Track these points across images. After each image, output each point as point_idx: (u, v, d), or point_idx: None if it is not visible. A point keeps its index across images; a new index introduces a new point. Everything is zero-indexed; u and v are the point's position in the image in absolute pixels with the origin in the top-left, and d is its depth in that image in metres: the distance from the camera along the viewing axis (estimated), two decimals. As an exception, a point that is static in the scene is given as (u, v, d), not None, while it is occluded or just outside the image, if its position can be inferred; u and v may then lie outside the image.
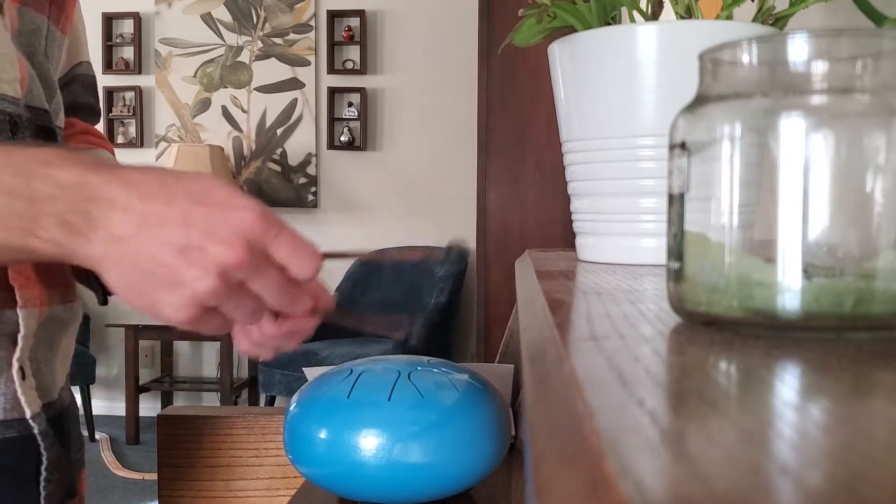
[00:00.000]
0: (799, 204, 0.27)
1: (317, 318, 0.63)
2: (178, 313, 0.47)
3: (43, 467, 0.60)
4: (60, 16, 0.67)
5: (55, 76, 0.66)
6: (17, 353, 0.59)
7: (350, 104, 3.92)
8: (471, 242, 3.41)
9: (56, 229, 0.45)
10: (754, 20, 0.63)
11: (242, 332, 0.67)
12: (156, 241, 0.45)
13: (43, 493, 0.60)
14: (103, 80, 3.96)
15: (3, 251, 0.47)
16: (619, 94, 0.61)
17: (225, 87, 3.99)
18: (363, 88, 3.89)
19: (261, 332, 0.66)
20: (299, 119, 3.95)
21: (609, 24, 0.66)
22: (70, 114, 0.76)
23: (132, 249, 0.45)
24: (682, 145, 0.31)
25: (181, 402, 4.05)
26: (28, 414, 0.59)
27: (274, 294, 0.49)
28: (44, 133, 0.62)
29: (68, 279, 0.66)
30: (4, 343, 0.58)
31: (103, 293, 0.73)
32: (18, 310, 0.59)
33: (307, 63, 3.94)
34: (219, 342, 3.77)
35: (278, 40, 3.95)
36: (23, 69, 0.59)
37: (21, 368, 0.59)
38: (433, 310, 3.34)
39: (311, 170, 3.95)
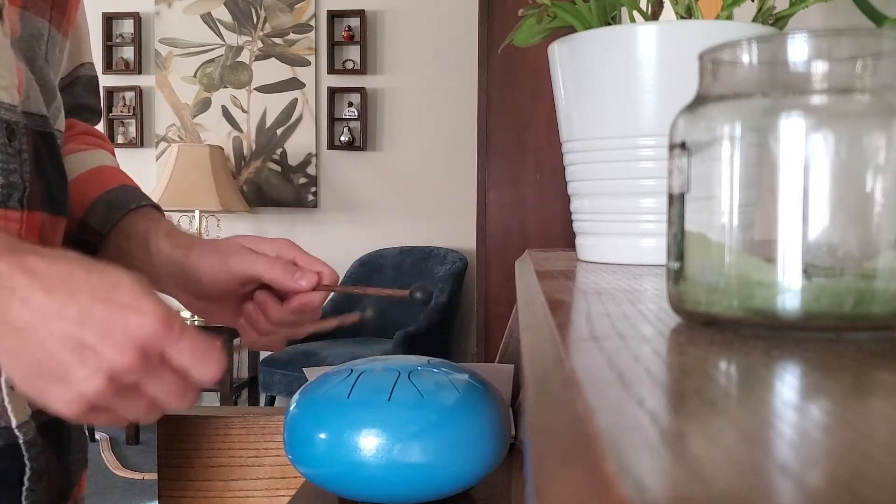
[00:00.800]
0: (799, 204, 0.27)
1: (322, 294, 0.63)
2: (67, 408, 0.46)
3: (26, 477, 0.60)
4: (62, 19, 0.67)
5: (55, 80, 0.66)
6: None
7: (350, 104, 3.92)
8: (471, 247, 3.41)
9: None
10: (754, 20, 0.63)
11: (249, 324, 0.67)
12: (51, 336, 0.45)
13: (25, 503, 0.60)
14: (103, 80, 3.96)
15: None
16: (619, 94, 0.61)
17: (225, 87, 3.99)
18: (363, 88, 3.89)
19: (267, 319, 0.65)
20: (299, 119, 3.95)
21: (609, 24, 0.66)
22: (71, 114, 0.76)
23: (27, 341, 0.45)
24: (682, 145, 0.31)
25: (181, 402, 4.04)
26: (14, 423, 0.59)
27: (171, 397, 0.49)
28: (41, 139, 0.61)
29: None
30: None
31: None
32: None
33: (307, 63, 3.94)
34: (219, 342, 3.76)
35: (278, 40, 3.95)
36: (20, 75, 0.59)
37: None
38: (433, 310, 3.34)
39: (311, 170, 3.95)
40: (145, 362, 0.46)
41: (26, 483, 0.60)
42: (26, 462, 0.60)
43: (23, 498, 0.60)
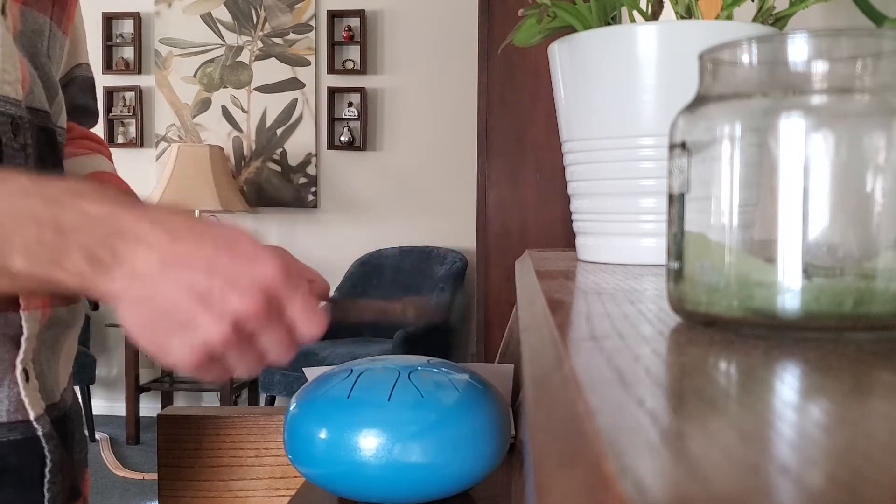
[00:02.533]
0: (799, 204, 0.27)
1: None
2: (186, 357, 0.47)
3: (47, 469, 0.60)
4: (63, 16, 0.67)
5: (57, 76, 0.66)
6: (21, 356, 0.59)
7: (350, 104, 3.92)
8: (471, 248, 3.41)
9: (82, 262, 0.45)
10: (754, 20, 0.63)
11: None
12: (177, 283, 0.45)
13: (47, 496, 0.60)
14: (103, 80, 3.96)
15: (28, 281, 0.46)
16: (619, 94, 0.61)
17: (225, 87, 3.99)
18: (363, 88, 3.89)
19: None
20: (299, 119, 3.95)
21: (609, 24, 0.66)
22: (69, 116, 0.76)
23: (152, 287, 0.45)
24: (682, 145, 0.31)
25: (181, 402, 4.05)
26: (32, 416, 0.59)
27: (279, 350, 0.50)
28: (44, 134, 0.61)
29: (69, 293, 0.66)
30: (8, 345, 0.58)
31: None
32: (21, 312, 0.59)
33: (307, 63, 3.94)
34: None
35: (278, 40, 3.95)
36: (24, 70, 0.59)
37: (25, 370, 0.59)
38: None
39: (311, 170, 3.95)
40: (268, 309, 0.47)
41: (47, 475, 0.60)
42: (46, 454, 0.60)
43: (45, 490, 0.60)
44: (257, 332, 0.48)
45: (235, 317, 0.46)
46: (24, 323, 0.59)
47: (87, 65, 0.79)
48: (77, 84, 0.77)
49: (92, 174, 0.75)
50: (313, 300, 0.50)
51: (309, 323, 0.49)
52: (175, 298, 0.45)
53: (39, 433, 0.60)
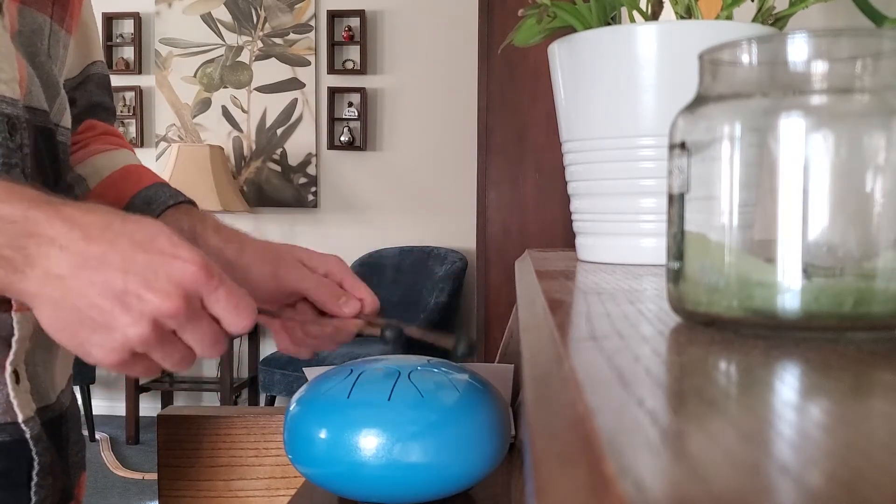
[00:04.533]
0: (799, 204, 0.27)
1: (361, 321, 0.64)
2: (107, 357, 0.47)
3: (34, 472, 0.60)
4: (64, 15, 0.67)
5: (59, 76, 0.66)
6: (11, 357, 0.58)
7: (350, 104, 3.92)
8: (470, 242, 3.41)
9: None
10: (754, 20, 0.63)
11: (284, 331, 0.67)
12: (92, 284, 0.45)
13: (34, 499, 0.60)
14: (103, 80, 3.96)
15: None
16: (619, 94, 0.61)
17: (225, 87, 3.99)
18: (363, 88, 3.89)
19: (304, 332, 0.66)
20: (299, 119, 3.95)
21: (609, 24, 0.66)
22: (88, 114, 0.76)
23: (68, 289, 0.45)
24: (682, 145, 0.31)
25: (181, 402, 4.05)
26: (20, 418, 0.59)
27: (205, 345, 0.49)
28: (42, 133, 0.61)
29: None
30: None
31: None
32: (13, 313, 0.58)
33: (307, 63, 3.94)
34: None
35: (278, 40, 3.95)
36: (21, 69, 0.59)
37: (15, 372, 0.59)
38: (433, 310, 3.34)
39: (311, 170, 3.95)
40: (187, 308, 0.46)
41: (35, 478, 0.60)
42: (34, 457, 0.60)
43: (31, 493, 0.60)
44: (179, 330, 0.48)
45: (154, 316, 0.46)
46: (15, 324, 0.58)
47: (102, 62, 0.79)
48: (93, 81, 0.77)
49: (125, 167, 0.75)
50: (240, 293, 0.49)
51: (235, 315, 0.49)
52: (91, 300, 0.45)
53: (27, 435, 0.59)
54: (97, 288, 0.45)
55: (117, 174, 0.73)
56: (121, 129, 4.01)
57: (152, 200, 0.70)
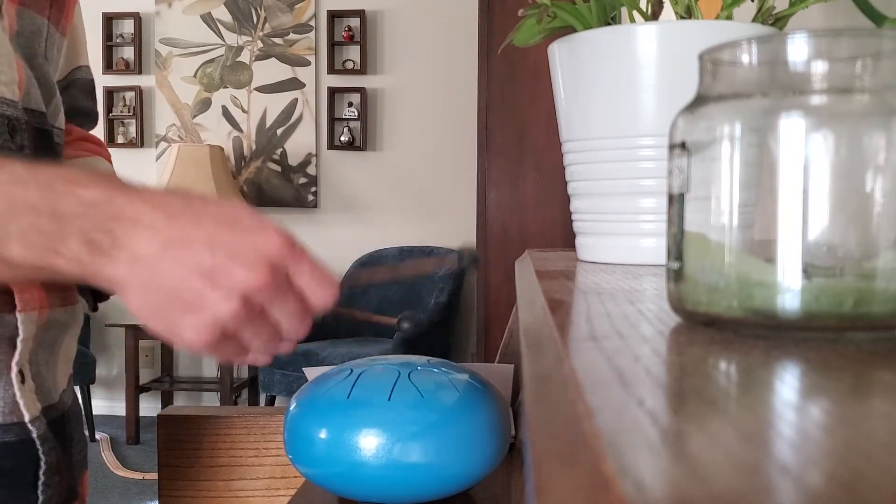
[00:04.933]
0: (799, 204, 0.27)
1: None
2: (198, 336, 0.46)
3: (41, 471, 0.60)
4: (60, 17, 0.66)
5: (54, 78, 0.66)
6: (17, 357, 0.58)
7: (350, 104, 3.92)
8: (472, 243, 3.41)
9: (80, 247, 0.45)
10: (754, 20, 0.63)
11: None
12: (180, 262, 0.45)
13: (41, 498, 0.60)
14: (103, 80, 3.96)
15: (26, 269, 0.46)
16: (619, 94, 0.61)
17: (225, 87, 3.99)
18: (363, 88, 3.89)
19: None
20: (299, 119, 3.95)
21: (609, 24, 0.66)
22: (67, 118, 0.76)
23: (155, 270, 0.45)
24: (682, 145, 0.31)
25: (181, 402, 4.05)
26: (27, 418, 0.59)
27: (292, 321, 0.49)
28: (41, 135, 0.61)
29: (68, 282, 0.66)
30: (3, 347, 0.58)
31: (94, 300, 0.73)
32: (17, 313, 0.58)
33: (307, 63, 3.94)
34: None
35: (278, 40, 3.95)
36: (20, 71, 0.59)
37: (20, 372, 0.59)
38: (433, 310, 3.34)
39: (311, 170, 3.95)
40: (275, 280, 0.46)
41: (42, 477, 0.60)
42: (41, 456, 0.60)
43: (39, 492, 0.60)
44: (268, 305, 0.48)
45: (243, 291, 0.45)
46: (20, 325, 0.58)
47: (87, 67, 0.79)
48: (77, 86, 0.77)
49: None
50: (322, 267, 0.49)
51: (319, 288, 0.49)
52: (180, 278, 0.45)
53: (34, 435, 0.60)
54: (185, 266, 0.45)
55: None
56: (121, 129, 4.02)
57: None
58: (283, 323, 0.49)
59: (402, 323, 0.69)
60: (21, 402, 0.59)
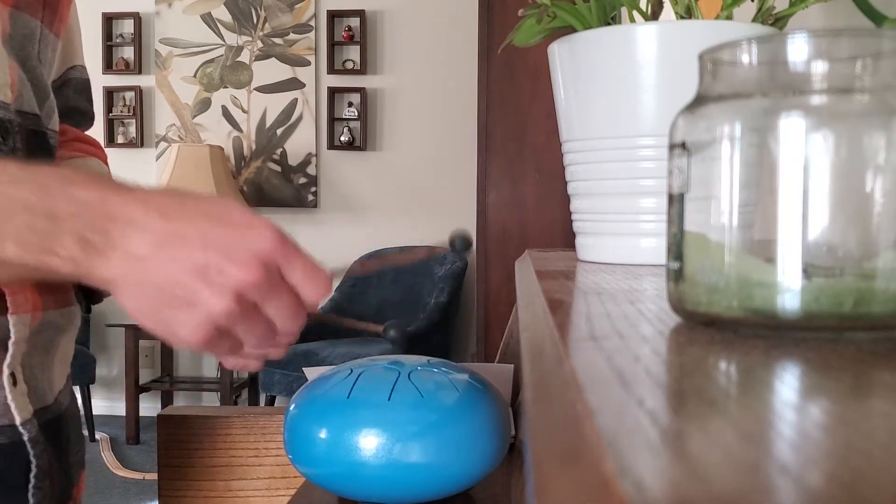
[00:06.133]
0: (799, 204, 0.27)
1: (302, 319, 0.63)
2: (193, 334, 0.47)
3: (32, 475, 0.60)
4: (54, 19, 0.66)
5: (48, 79, 0.66)
6: (8, 360, 0.58)
7: (350, 104, 3.92)
8: (472, 235, 3.41)
9: (74, 247, 0.45)
10: (754, 20, 0.63)
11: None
12: (174, 261, 0.45)
13: (32, 501, 0.60)
14: (103, 80, 3.96)
15: (20, 268, 0.46)
16: (619, 94, 0.61)
17: (225, 87, 3.99)
18: (363, 88, 3.89)
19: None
20: (299, 119, 3.95)
21: (609, 24, 0.66)
22: (62, 118, 0.75)
23: (149, 269, 0.45)
24: (682, 145, 0.31)
25: (181, 402, 4.05)
26: (18, 421, 0.59)
27: (286, 317, 0.50)
28: (34, 137, 0.61)
29: (64, 283, 0.66)
30: None
31: (87, 303, 0.73)
32: (9, 316, 0.58)
33: (307, 63, 3.94)
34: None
35: (278, 40, 3.95)
36: (13, 74, 0.59)
37: (12, 375, 0.59)
38: (433, 310, 3.34)
39: (311, 170, 3.95)
40: (268, 277, 0.47)
41: (32, 481, 0.60)
42: (31, 459, 0.60)
43: (29, 496, 0.60)
44: (261, 302, 0.48)
45: (237, 288, 0.46)
46: (11, 327, 0.58)
47: (83, 66, 0.79)
48: (72, 86, 0.77)
49: None
50: (314, 262, 0.49)
51: (312, 284, 0.49)
52: (174, 277, 0.45)
53: (25, 438, 0.59)
54: (179, 265, 0.45)
55: None
56: (121, 129, 4.02)
57: None
58: (277, 319, 0.50)
59: (388, 330, 0.70)
60: (12, 405, 0.59)
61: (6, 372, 0.58)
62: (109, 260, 0.45)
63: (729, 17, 0.61)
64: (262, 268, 0.46)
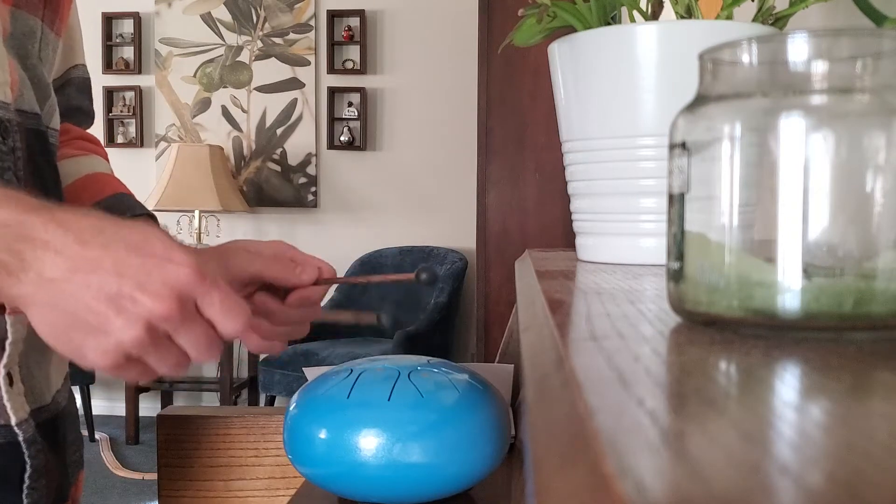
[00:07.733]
0: (799, 204, 0.27)
1: (322, 287, 0.63)
2: (101, 360, 0.47)
3: (27, 475, 0.60)
4: (55, 18, 0.66)
5: (49, 78, 0.66)
6: (5, 360, 0.58)
7: (350, 104, 3.92)
8: (470, 245, 3.41)
9: None
10: (754, 20, 0.63)
11: (251, 329, 0.66)
12: (86, 287, 0.45)
13: (26, 501, 0.60)
14: (103, 80, 3.96)
15: None
16: (619, 94, 0.61)
17: (225, 86, 3.99)
18: (363, 88, 3.89)
19: (270, 323, 0.65)
20: (299, 119, 3.95)
21: (609, 24, 0.66)
22: (64, 117, 0.75)
23: (62, 293, 0.45)
24: (683, 145, 0.31)
25: (181, 402, 4.05)
26: (13, 420, 0.59)
27: (200, 349, 0.49)
28: (35, 136, 0.61)
29: None
30: None
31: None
32: (6, 316, 0.58)
33: (307, 63, 3.94)
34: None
35: (278, 40, 3.95)
36: (13, 73, 0.59)
37: (9, 375, 0.59)
38: (433, 310, 3.34)
39: (311, 170, 3.95)
40: (181, 310, 0.47)
41: (27, 481, 0.60)
42: (27, 460, 0.60)
43: (24, 496, 0.60)
44: (173, 333, 0.48)
45: (148, 319, 0.46)
46: (9, 327, 0.58)
47: (84, 66, 0.79)
48: (73, 85, 0.77)
49: (89, 175, 0.75)
50: (233, 296, 0.49)
51: (228, 318, 0.49)
52: (85, 303, 0.45)
53: (20, 438, 0.59)
54: (91, 291, 0.45)
55: (80, 182, 0.73)
56: (120, 129, 4.02)
57: (110, 211, 0.70)
58: (190, 351, 0.49)
59: (381, 318, 0.70)
60: (8, 405, 0.59)
61: (2, 372, 0.58)
62: (21, 281, 0.45)
63: (729, 17, 0.61)
64: (176, 300, 0.46)
